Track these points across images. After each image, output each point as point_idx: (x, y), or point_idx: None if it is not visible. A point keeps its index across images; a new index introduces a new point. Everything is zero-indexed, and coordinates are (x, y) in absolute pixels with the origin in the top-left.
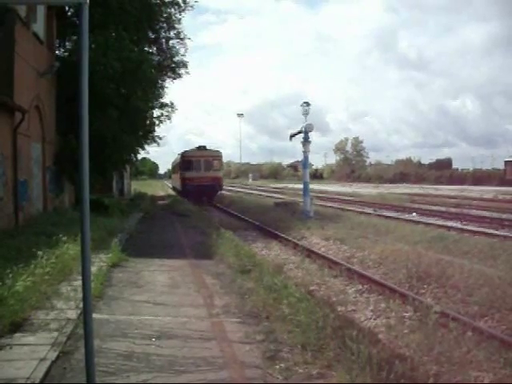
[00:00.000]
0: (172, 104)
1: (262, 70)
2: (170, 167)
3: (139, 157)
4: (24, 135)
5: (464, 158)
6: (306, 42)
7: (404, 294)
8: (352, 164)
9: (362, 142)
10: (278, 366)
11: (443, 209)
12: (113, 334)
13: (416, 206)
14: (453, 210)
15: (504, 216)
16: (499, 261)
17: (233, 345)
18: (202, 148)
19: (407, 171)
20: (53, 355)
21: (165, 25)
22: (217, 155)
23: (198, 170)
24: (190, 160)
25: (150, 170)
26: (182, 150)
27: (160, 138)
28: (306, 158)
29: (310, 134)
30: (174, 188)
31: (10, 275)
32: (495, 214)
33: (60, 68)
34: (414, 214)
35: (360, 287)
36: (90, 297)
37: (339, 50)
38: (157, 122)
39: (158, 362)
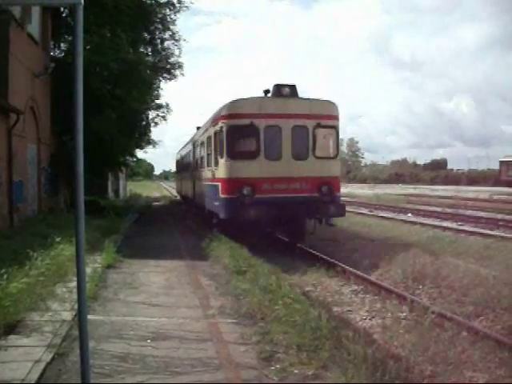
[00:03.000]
0: (167, 105)
1: (258, 70)
2: (167, 167)
3: (136, 158)
4: (19, 136)
5: (459, 158)
6: (301, 42)
7: (399, 294)
8: (348, 165)
9: (357, 142)
10: (273, 367)
11: (439, 209)
12: (108, 336)
13: (411, 206)
14: (448, 210)
15: (499, 216)
16: (494, 261)
17: (228, 346)
18: (285, 92)
19: (402, 172)
20: (48, 357)
21: (160, 26)
22: (328, 115)
23: (272, 154)
24: (252, 125)
25: (145, 171)
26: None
27: (156, 143)
28: None
29: None
30: (184, 199)
31: (5, 276)
32: (490, 215)
33: (55, 69)
34: (410, 214)
35: (355, 288)
36: (84, 298)
37: (334, 51)
38: (152, 124)
39: (153, 363)
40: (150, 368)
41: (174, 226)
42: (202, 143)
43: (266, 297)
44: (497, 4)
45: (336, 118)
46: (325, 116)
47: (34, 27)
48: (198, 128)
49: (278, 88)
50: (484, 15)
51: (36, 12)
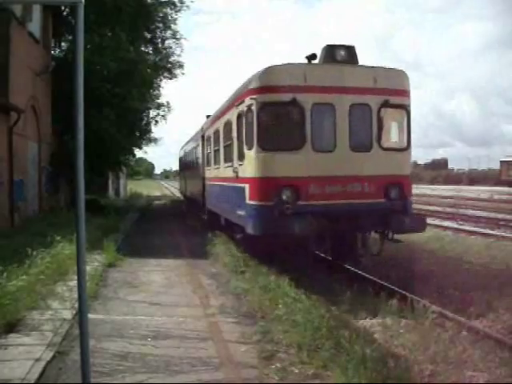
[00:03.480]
0: (168, 104)
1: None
2: (168, 166)
3: (136, 157)
4: (20, 135)
5: (460, 158)
6: (302, 41)
7: (400, 293)
8: None
9: None
10: (274, 366)
11: (439, 209)
12: (108, 334)
13: (412, 206)
14: (449, 209)
15: (500, 216)
16: (495, 261)
17: (229, 345)
18: (340, 57)
19: None
20: (48, 355)
21: (161, 25)
22: (398, 89)
23: (323, 144)
24: (294, 103)
25: (145, 170)
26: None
27: (157, 139)
28: None
29: None
30: (190, 202)
31: (5, 274)
32: (491, 214)
33: (56, 67)
34: None
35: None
36: (85, 297)
37: None
38: (153, 122)
39: (153, 362)
40: (150, 367)
41: (174, 225)
42: (217, 132)
43: (266, 296)
44: (500, 3)
45: (408, 94)
46: (394, 91)
47: (35, 26)
48: (208, 117)
49: (331, 50)
50: (491, 14)
51: (37, 10)
